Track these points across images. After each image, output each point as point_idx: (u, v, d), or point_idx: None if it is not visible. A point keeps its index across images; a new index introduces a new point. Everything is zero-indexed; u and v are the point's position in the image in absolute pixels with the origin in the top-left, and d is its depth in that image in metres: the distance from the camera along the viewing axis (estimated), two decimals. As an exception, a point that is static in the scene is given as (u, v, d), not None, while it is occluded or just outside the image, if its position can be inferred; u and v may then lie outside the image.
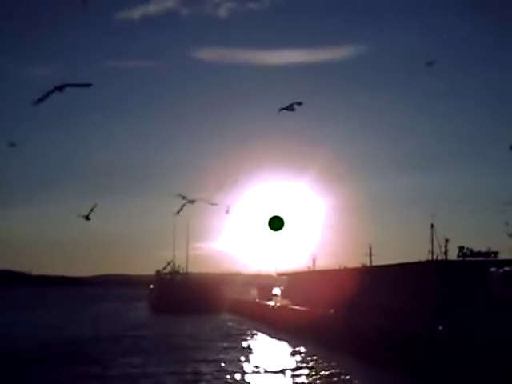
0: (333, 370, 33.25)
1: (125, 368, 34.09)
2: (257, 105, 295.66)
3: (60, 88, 31.32)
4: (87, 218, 48.40)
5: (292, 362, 37.00)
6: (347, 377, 31.26)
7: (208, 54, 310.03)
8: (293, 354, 41.04)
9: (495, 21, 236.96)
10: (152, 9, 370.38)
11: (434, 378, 29.01)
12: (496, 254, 49.48)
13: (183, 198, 54.37)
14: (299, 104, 37.63)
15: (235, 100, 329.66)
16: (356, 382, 29.84)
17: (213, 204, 58.76)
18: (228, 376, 31.21)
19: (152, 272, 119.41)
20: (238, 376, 31.46)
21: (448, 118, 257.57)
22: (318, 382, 30.21)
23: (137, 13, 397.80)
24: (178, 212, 56.51)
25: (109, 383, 30.02)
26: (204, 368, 33.99)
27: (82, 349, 43.66)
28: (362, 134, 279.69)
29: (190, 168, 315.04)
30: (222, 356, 39.45)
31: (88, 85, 33.62)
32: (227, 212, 58.52)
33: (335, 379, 30.78)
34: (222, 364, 35.74)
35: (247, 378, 31.20)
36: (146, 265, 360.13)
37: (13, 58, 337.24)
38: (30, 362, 36.81)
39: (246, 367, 34.76)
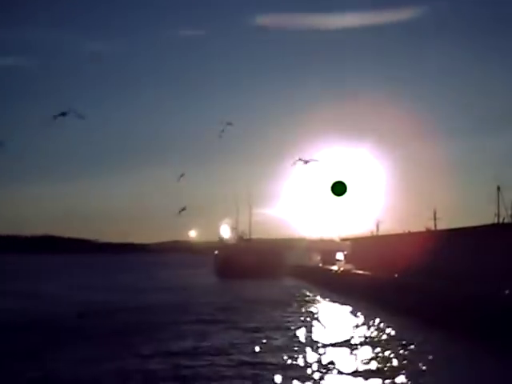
0: (398, 336, 33.23)
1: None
2: (320, 70, 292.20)
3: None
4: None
5: (356, 328, 37.12)
6: (411, 342, 31.20)
7: (269, 19, 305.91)
8: (356, 318, 41.15)
9: None
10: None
11: (498, 341, 28.77)
12: None
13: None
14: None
15: (298, 66, 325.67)
16: (420, 346, 29.78)
17: None
18: (293, 345, 31.58)
19: (216, 238, 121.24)
20: (302, 344, 31.80)
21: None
22: (382, 346, 30.25)
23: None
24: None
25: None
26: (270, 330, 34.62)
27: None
28: (425, 96, 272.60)
29: (255, 136, 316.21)
30: (287, 321, 39.94)
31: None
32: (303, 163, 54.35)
33: (401, 345, 30.76)
34: (287, 330, 36.17)
35: (313, 345, 31.47)
36: (210, 231, 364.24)
37: (76, 34, 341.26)
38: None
39: (312, 334, 35.04)
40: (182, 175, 49.08)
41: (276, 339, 31.43)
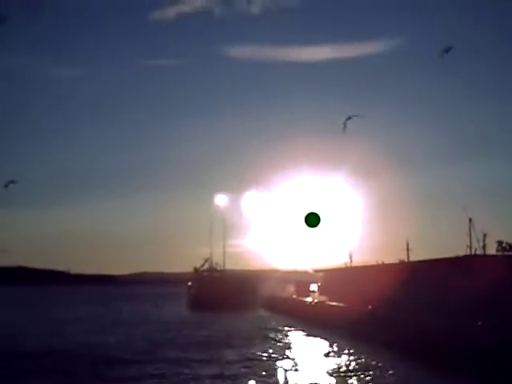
0: (370, 367, 33.30)
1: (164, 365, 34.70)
2: (291, 101, 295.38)
3: None
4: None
5: (329, 359, 37.13)
6: (385, 373, 31.30)
7: (241, 52, 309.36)
8: (330, 350, 41.12)
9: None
10: (185, 8, 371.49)
11: (472, 375, 28.92)
12: (537, 248, 48.97)
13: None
14: None
15: (269, 97, 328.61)
16: (394, 378, 29.84)
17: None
18: (266, 373, 31.46)
19: (189, 269, 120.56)
20: (276, 374, 31.70)
21: (486, 107, 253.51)
22: (355, 378, 30.28)
23: (170, 12, 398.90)
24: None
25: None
26: (241, 366, 34.34)
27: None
28: (398, 127, 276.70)
29: (229, 164, 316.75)
30: (259, 353, 39.74)
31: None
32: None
33: (373, 376, 30.83)
34: (260, 361, 36.04)
35: (286, 375, 31.42)
36: (182, 262, 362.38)
37: (45, 59, 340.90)
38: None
39: (284, 364, 34.99)
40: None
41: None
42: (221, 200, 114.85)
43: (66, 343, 45.89)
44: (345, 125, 40.60)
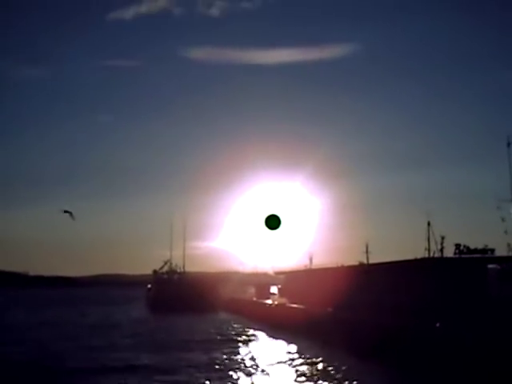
0: (330, 368, 33.39)
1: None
2: (250, 104, 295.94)
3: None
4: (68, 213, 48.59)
5: (289, 361, 37.11)
6: (344, 374, 31.39)
7: (200, 53, 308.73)
8: (290, 352, 41.12)
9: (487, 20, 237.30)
10: (144, 8, 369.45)
11: (431, 374, 29.17)
12: (493, 250, 49.68)
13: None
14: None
15: (228, 100, 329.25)
16: (353, 379, 29.93)
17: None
18: (225, 376, 31.27)
19: (149, 272, 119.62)
20: (235, 376, 31.56)
21: (444, 115, 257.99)
22: (315, 380, 30.30)
23: (129, 12, 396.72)
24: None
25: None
26: (202, 369, 34.10)
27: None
28: (356, 132, 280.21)
29: (187, 168, 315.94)
30: (219, 356, 39.54)
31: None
32: None
33: (332, 377, 30.90)
34: (220, 364, 35.84)
35: (245, 377, 31.29)
36: (143, 264, 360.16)
37: (11, 59, 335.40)
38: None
39: (244, 366, 34.89)
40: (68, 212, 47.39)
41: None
42: (181, 203, 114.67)
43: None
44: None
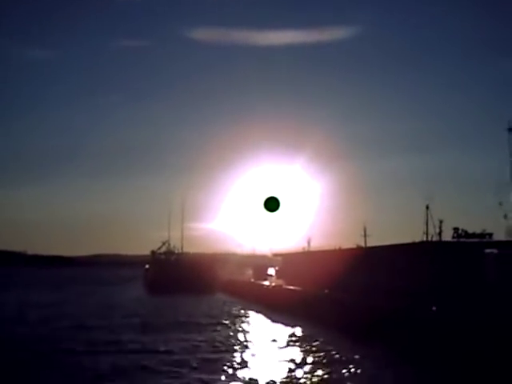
0: (326, 350, 33.47)
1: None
2: (253, 86, 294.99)
3: None
4: None
5: (286, 342, 37.19)
6: (340, 356, 31.46)
7: (205, 34, 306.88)
8: (287, 333, 41.20)
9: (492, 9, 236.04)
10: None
11: (425, 358, 29.20)
12: (491, 235, 49.56)
13: None
14: None
15: (231, 81, 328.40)
16: (347, 361, 29.97)
17: None
18: (221, 358, 31.31)
19: (147, 252, 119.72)
20: (230, 358, 31.58)
21: (444, 100, 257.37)
22: (311, 361, 30.35)
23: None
24: None
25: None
26: (199, 350, 34.16)
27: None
28: (357, 115, 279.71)
29: (188, 149, 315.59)
30: (215, 337, 39.64)
31: None
32: None
33: (326, 359, 30.96)
34: (216, 345, 35.92)
35: (242, 359, 31.33)
36: (141, 245, 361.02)
37: (17, 41, 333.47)
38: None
39: (240, 348, 34.96)
40: None
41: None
42: (180, 184, 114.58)
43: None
44: None
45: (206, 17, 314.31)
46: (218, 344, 36.54)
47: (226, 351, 33.62)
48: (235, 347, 35.26)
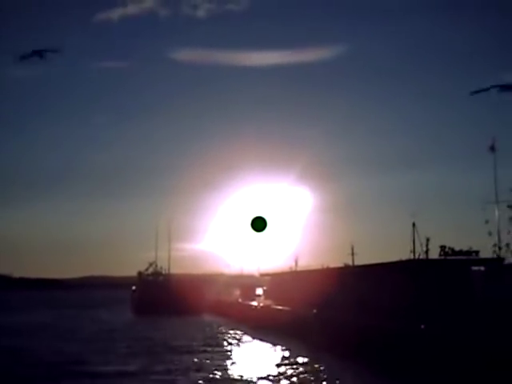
0: (315, 370, 33.20)
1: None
2: (238, 106, 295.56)
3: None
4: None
5: (275, 363, 36.86)
6: (328, 375, 31.20)
7: (187, 55, 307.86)
8: (276, 354, 40.91)
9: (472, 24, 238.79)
10: (130, 10, 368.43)
11: (415, 376, 29.02)
12: (477, 252, 49.61)
13: None
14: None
15: (216, 101, 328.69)
16: (337, 381, 29.72)
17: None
18: (209, 380, 30.97)
19: (134, 273, 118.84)
20: (219, 379, 31.25)
21: (427, 118, 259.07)
22: (299, 381, 30.08)
23: (115, 14, 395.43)
24: None
25: None
26: (187, 374, 33.74)
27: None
28: (343, 134, 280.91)
29: (174, 169, 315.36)
30: (204, 360, 39.20)
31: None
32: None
33: (317, 379, 30.69)
34: (204, 367, 35.53)
35: (230, 380, 31.01)
36: (130, 266, 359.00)
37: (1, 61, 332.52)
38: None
39: (230, 370, 34.60)
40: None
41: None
42: (167, 204, 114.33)
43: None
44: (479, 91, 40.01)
45: (190, 38, 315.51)
46: (205, 366, 36.15)
47: (214, 373, 33.26)
48: (222, 369, 34.88)
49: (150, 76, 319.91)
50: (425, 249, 51.37)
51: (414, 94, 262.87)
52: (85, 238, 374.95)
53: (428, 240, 51.51)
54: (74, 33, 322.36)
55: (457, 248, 50.65)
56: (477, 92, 46.86)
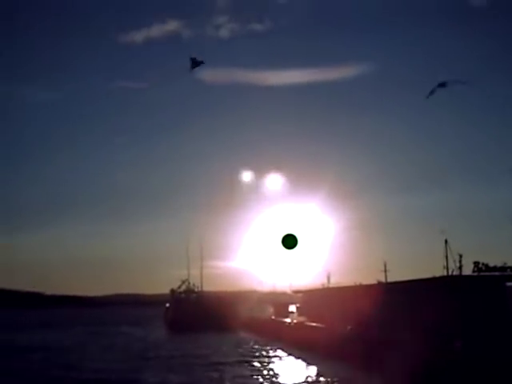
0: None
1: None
2: (262, 125, 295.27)
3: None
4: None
5: (309, 380, 37.32)
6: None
7: (210, 75, 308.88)
8: (310, 371, 41.33)
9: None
10: (154, 32, 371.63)
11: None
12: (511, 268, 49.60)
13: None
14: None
15: (240, 120, 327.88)
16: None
17: None
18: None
19: (166, 291, 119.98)
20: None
21: (458, 134, 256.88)
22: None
23: (139, 35, 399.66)
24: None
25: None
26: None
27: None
28: (370, 152, 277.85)
29: (200, 187, 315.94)
30: (240, 374, 39.82)
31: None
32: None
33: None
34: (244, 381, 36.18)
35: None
36: (161, 284, 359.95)
37: (24, 84, 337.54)
38: None
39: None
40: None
41: None
42: (198, 222, 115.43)
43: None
44: (433, 92, 37.54)
45: (211, 57, 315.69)
46: (242, 381, 36.81)
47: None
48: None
49: (173, 96, 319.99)
50: (458, 265, 51.44)
51: (441, 112, 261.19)
52: (117, 257, 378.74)
53: (461, 256, 51.58)
54: (99, 55, 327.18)
55: (491, 264, 50.64)
56: (431, 93, 45.27)
